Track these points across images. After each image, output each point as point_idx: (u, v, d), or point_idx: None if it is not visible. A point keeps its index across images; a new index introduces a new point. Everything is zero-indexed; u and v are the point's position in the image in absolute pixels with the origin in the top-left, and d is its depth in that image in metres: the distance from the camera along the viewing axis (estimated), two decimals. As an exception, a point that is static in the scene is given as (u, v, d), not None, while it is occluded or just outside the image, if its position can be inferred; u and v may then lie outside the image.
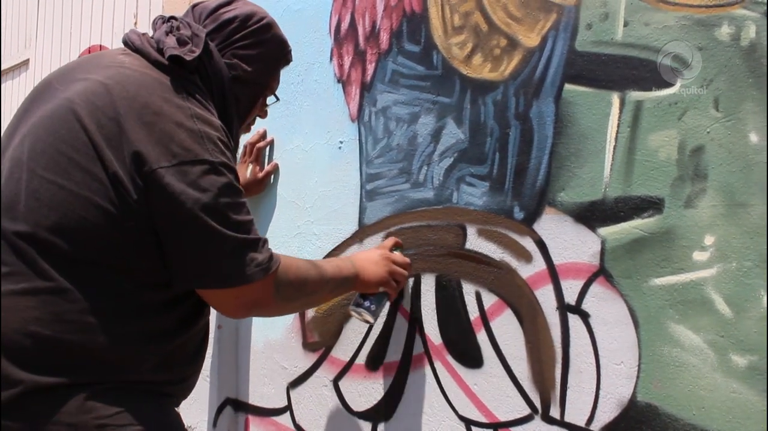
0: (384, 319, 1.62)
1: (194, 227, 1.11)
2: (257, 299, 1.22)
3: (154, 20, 1.32)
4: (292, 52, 1.45)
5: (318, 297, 1.43)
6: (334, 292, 1.43)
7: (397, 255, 1.52)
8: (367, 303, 1.49)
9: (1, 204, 1.13)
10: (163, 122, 1.11)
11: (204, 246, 1.13)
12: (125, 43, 1.28)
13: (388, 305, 1.58)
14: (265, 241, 1.22)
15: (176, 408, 1.26)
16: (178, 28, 1.26)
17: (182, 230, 1.12)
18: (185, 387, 1.26)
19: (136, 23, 2.76)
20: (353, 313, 1.51)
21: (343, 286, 1.43)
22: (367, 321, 1.51)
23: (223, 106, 1.28)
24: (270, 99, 1.47)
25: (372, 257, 1.48)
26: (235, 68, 1.30)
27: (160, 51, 1.22)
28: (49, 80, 1.24)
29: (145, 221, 1.10)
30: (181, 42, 1.22)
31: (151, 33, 1.30)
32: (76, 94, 1.15)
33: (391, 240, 1.56)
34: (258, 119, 1.53)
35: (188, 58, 1.20)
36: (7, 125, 1.24)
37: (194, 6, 1.34)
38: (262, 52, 1.34)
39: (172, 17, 1.29)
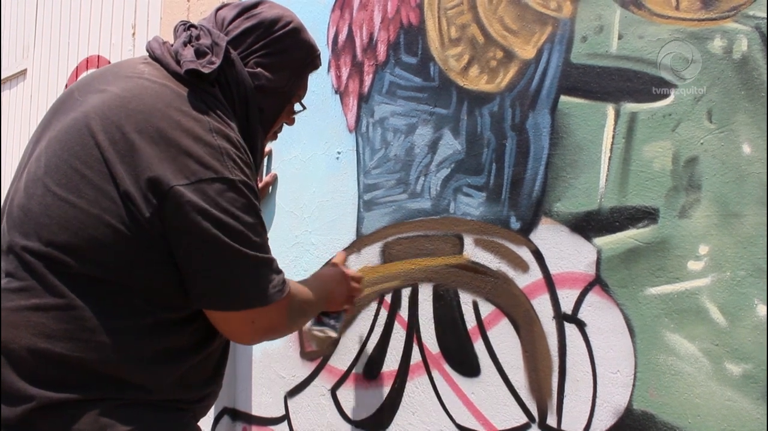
0: (383, 328, 1.63)
1: (213, 247, 1.07)
2: (273, 322, 1.17)
3: (175, 26, 1.26)
4: None
5: (308, 319, 1.41)
6: (314, 313, 1.43)
7: (352, 271, 1.54)
8: (332, 321, 1.52)
9: (16, 219, 1.11)
10: (180, 136, 1.08)
11: (223, 267, 1.09)
12: (148, 50, 1.24)
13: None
14: (276, 262, 1.17)
15: (196, 423, 1.22)
16: (198, 38, 1.20)
17: (200, 250, 1.07)
18: (204, 405, 1.22)
19: (134, 34, 2.78)
20: (316, 332, 1.52)
21: (321, 306, 1.42)
22: (331, 337, 1.53)
23: (245, 117, 1.23)
24: (296, 107, 1.39)
25: (336, 276, 1.48)
26: (258, 77, 1.24)
27: (179, 62, 1.17)
28: (71, 90, 1.21)
29: (159, 239, 1.07)
30: (200, 53, 1.17)
31: (170, 40, 1.26)
32: (92, 108, 1.12)
33: (342, 255, 1.61)
34: None
35: (206, 71, 1.15)
36: (32, 135, 1.22)
37: (218, 9, 1.28)
38: (287, 60, 1.27)
39: (192, 25, 1.24)
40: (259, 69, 1.24)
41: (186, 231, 1.07)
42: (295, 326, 1.31)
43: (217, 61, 1.17)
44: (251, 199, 1.12)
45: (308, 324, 1.53)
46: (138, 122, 1.08)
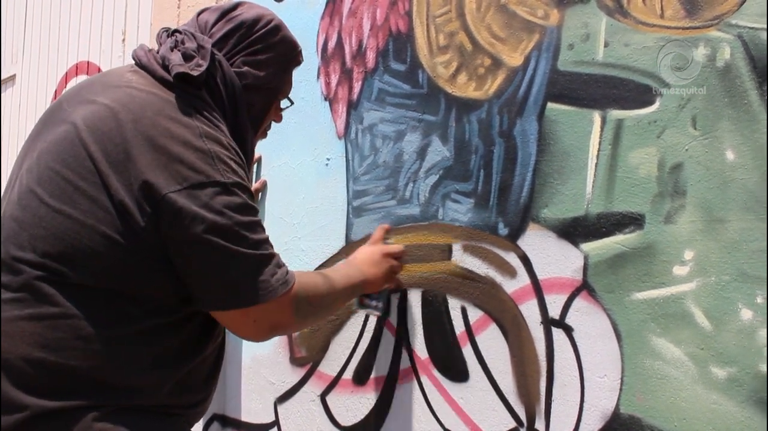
0: (372, 333, 1.63)
1: (209, 250, 1.08)
2: (277, 320, 1.18)
3: (158, 33, 1.27)
4: None
5: (331, 310, 1.39)
6: (345, 301, 1.41)
7: (392, 247, 1.50)
8: (374, 302, 1.49)
9: (10, 231, 1.11)
10: (171, 143, 1.09)
11: (220, 268, 1.10)
12: (134, 58, 1.25)
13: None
14: (279, 257, 1.18)
15: (190, 429, 1.23)
16: (182, 42, 1.21)
17: (197, 254, 1.09)
18: (197, 411, 1.23)
19: (124, 40, 2.78)
20: (362, 311, 1.52)
21: (353, 294, 1.41)
22: (377, 316, 1.53)
23: (235, 116, 1.24)
24: (284, 103, 1.42)
25: (372, 257, 1.45)
26: (245, 76, 1.25)
27: (166, 68, 1.18)
28: (60, 101, 1.22)
29: (155, 247, 1.08)
30: (187, 57, 1.19)
31: (154, 47, 1.27)
32: (82, 120, 1.13)
33: (381, 231, 1.53)
34: None
35: (195, 73, 1.16)
36: (21, 147, 1.23)
37: (199, 14, 1.30)
38: (273, 56, 1.29)
39: (176, 30, 1.25)
40: (245, 68, 1.26)
41: (181, 237, 1.08)
42: (311, 319, 1.30)
43: (205, 64, 1.18)
44: (245, 199, 1.13)
45: (354, 307, 1.52)
46: (128, 131, 1.09)
